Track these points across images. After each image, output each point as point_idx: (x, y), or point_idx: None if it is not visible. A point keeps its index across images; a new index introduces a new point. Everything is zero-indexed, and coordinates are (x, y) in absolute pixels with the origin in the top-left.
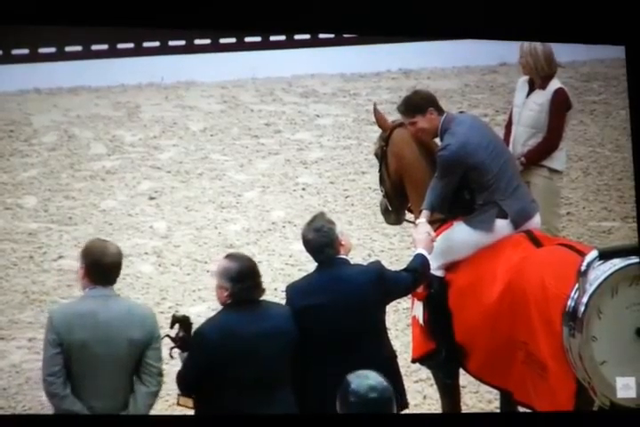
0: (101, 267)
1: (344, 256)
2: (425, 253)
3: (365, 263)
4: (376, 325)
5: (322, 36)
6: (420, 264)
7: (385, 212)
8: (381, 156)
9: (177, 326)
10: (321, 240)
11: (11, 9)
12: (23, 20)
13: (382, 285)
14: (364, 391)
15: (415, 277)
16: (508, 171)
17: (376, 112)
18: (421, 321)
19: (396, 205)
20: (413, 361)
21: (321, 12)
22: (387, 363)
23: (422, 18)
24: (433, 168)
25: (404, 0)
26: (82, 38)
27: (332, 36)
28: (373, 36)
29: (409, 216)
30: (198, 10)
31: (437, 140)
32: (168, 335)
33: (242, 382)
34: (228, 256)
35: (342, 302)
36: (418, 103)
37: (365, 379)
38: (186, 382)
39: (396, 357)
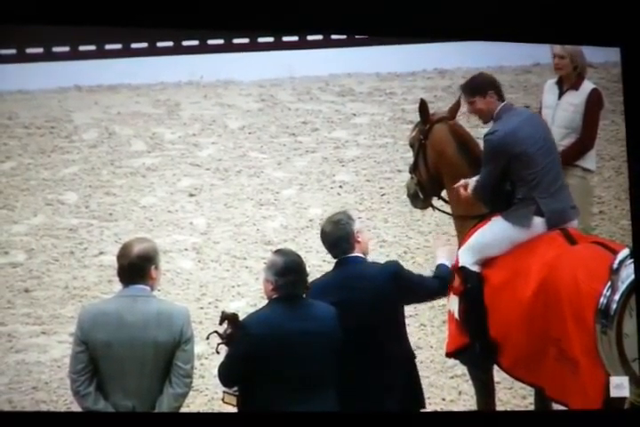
0: (120, 268)
1: (360, 255)
2: (447, 263)
3: (397, 261)
4: (392, 323)
5: (358, 35)
6: (447, 273)
7: (414, 197)
8: (418, 148)
9: (225, 322)
10: (337, 233)
11: (51, 8)
12: (63, 20)
13: (398, 284)
14: None
15: (442, 284)
16: (553, 170)
17: (424, 105)
18: (457, 315)
19: (427, 194)
20: (447, 355)
21: (355, 14)
22: (403, 362)
23: (456, 19)
24: (471, 166)
25: (439, 2)
26: (122, 36)
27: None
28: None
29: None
30: (237, 10)
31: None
32: (216, 331)
33: (283, 380)
34: (277, 251)
35: (358, 299)
36: (481, 84)
37: None
38: (226, 374)
39: (414, 357)
